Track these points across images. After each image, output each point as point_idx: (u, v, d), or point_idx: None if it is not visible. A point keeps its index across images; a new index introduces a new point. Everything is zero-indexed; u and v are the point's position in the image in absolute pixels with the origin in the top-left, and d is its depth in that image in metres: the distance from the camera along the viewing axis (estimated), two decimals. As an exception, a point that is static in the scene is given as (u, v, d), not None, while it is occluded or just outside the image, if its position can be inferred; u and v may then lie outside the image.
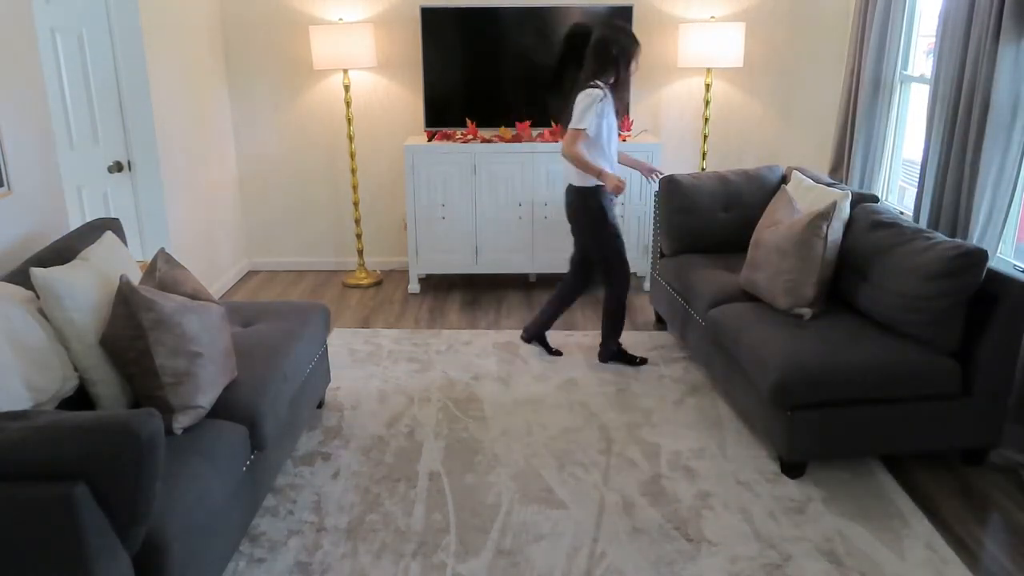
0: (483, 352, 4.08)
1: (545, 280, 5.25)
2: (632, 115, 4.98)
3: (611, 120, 3.61)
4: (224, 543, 2.34)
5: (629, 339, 4.17)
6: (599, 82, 3.54)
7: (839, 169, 4.61)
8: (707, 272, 3.78)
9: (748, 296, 3.51)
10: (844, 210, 3.33)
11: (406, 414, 3.45)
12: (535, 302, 4.85)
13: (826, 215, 3.21)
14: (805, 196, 3.59)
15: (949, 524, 2.70)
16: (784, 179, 4.08)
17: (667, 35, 5.00)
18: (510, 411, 3.47)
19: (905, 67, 4.26)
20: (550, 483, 2.94)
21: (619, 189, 3.55)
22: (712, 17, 4.95)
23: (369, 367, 3.92)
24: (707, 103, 4.93)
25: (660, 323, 4.44)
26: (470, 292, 5.05)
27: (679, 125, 5.20)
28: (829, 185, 3.73)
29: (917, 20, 4.23)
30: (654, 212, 4.26)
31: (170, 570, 1.99)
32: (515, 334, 4.31)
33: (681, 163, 5.24)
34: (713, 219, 4.05)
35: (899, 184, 4.49)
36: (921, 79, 4.11)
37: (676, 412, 3.46)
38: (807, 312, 3.23)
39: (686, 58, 4.78)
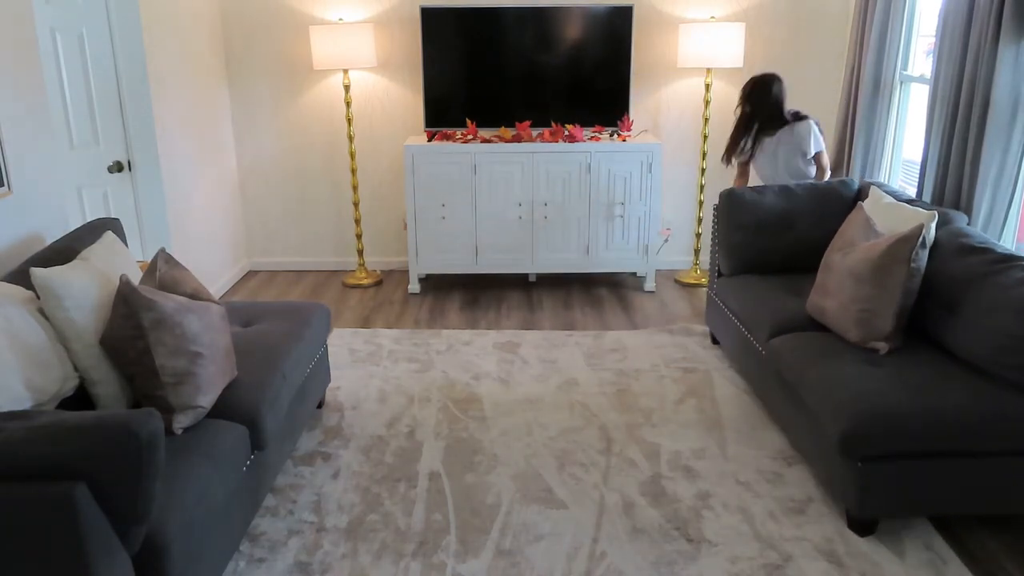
0: (483, 352, 4.08)
1: (545, 280, 5.26)
2: (632, 115, 4.98)
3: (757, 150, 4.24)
4: (224, 543, 2.34)
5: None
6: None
7: (839, 169, 4.61)
8: (769, 296, 3.48)
9: (814, 324, 3.18)
10: (931, 233, 2.99)
11: (406, 414, 3.45)
12: (535, 302, 4.85)
13: (911, 239, 2.84)
14: (885, 215, 3.20)
15: (949, 524, 2.70)
16: (860, 194, 3.76)
17: (667, 35, 5.00)
18: (510, 411, 3.47)
19: (905, 67, 4.26)
20: (550, 483, 2.94)
21: None
22: (712, 17, 4.95)
23: (369, 367, 3.91)
24: (707, 103, 4.93)
25: (715, 342, 4.15)
26: (470, 292, 5.05)
27: (679, 125, 5.19)
28: (910, 202, 3.39)
29: (917, 20, 4.23)
30: (712, 228, 4.04)
31: (170, 570, 1.99)
32: (515, 334, 4.30)
33: (681, 163, 5.24)
34: (777, 237, 3.76)
35: (899, 184, 4.49)
36: (921, 79, 4.10)
37: (676, 412, 3.46)
38: (883, 346, 2.90)
39: (686, 58, 4.78)
